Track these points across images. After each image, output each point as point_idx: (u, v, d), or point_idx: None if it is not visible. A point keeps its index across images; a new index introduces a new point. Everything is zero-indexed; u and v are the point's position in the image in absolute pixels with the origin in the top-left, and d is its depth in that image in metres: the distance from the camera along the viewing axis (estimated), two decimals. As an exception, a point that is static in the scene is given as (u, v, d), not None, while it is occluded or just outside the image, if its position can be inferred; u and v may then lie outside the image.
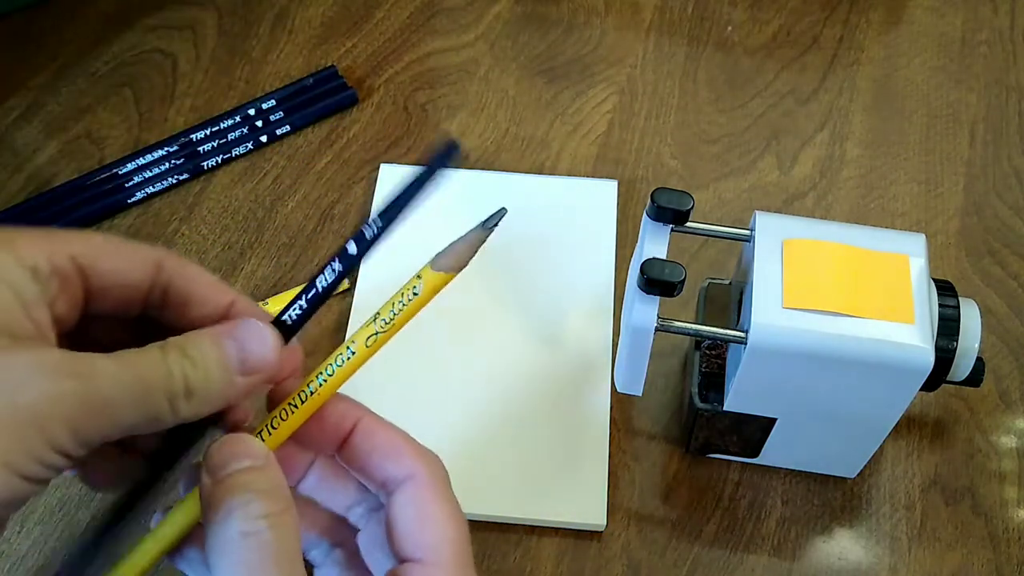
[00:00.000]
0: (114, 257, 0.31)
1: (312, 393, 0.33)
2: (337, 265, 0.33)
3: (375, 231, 0.32)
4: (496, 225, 0.32)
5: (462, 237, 0.32)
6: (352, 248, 0.33)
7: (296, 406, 0.32)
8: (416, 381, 0.49)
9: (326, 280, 0.33)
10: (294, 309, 0.33)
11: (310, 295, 0.33)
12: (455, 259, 0.32)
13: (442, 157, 0.32)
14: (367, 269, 0.53)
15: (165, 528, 0.32)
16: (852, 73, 0.63)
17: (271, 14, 0.66)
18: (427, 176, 0.32)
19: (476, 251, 0.32)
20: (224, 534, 0.29)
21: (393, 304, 0.32)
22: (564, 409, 0.48)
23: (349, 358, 0.33)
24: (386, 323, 0.32)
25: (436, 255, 0.32)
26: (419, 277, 0.32)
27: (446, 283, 0.32)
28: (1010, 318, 0.52)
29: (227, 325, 0.31)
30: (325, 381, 0.33)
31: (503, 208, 0.32)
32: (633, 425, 0.49)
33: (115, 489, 0.32)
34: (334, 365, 0.33)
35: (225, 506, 0.29)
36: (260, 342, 0.31)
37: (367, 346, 0.33)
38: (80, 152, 0.59)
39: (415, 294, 0.32)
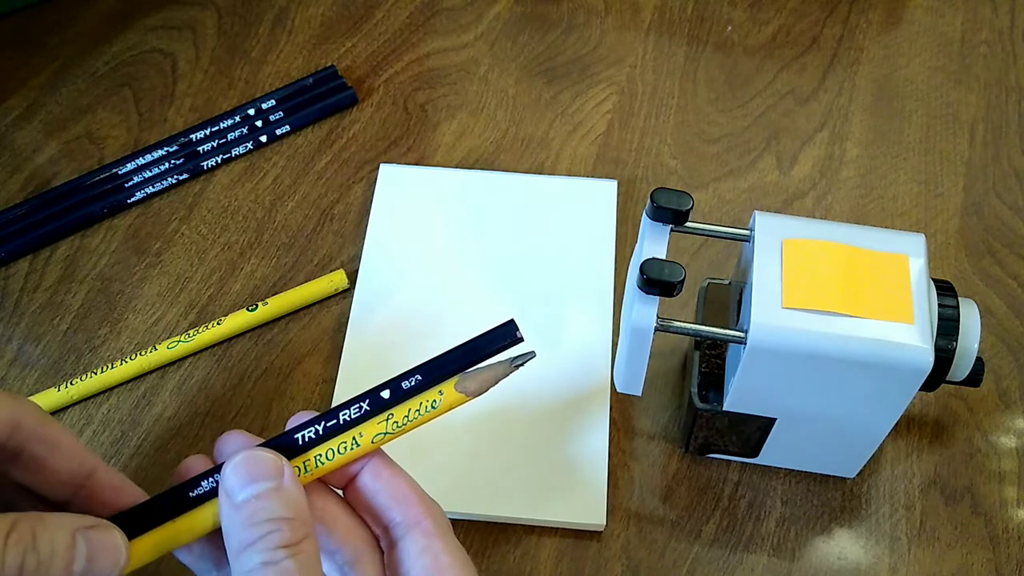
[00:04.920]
0: None
1: (306, 471, 0.33)
2: (366, 405, 0.33)
3: (412, 384, 0.33)
4: (523, 364, 0.34)
5: (490, 366, 0.34)
6: (386, 394, 0.33)
7: None
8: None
9: (350, 415, 0.33)
10: (308, 431, 0.33)
11: (329, 424, 0.33)
12: (478, 385, 0.33)
13: (499, 336, 0.34)
14: (367, 269, 0.53)
15: (180, 525, 0.32)
16: (852, 73, 0.63)
17: (271, 14, 0.66)
18: (479, 348, 0.34)
19: (498, 383, 0.34)
20: (246, 564, 0.30)
21: (409, 411, 0.33)
22: (564, 409, 0.48)
23: (352, 448, 0.33)
24: (398, 426, 0.33)
25: (462, 376, 0.33)
26: (441, 393, 0.33)
27: (461, 404, 0.34)
28: (1010, 318, 0.52)
29: (88, 524, 0.30)
30: (323, 463, 0.33)
31: (532, 352, 0.34)
32: (633, 425, 0.49)
33: None
34: (335, 450, 0.33)
35: (246, 536, 0.30)
36: (112, 562, 0.30)
37: (372, 443, 0.33)
38: (80, 152, 0.60)
39: (433, 407, 0.33)
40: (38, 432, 0.31)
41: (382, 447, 0.34)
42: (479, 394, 0.33)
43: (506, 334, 0.34)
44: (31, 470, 0.32)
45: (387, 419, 0.33)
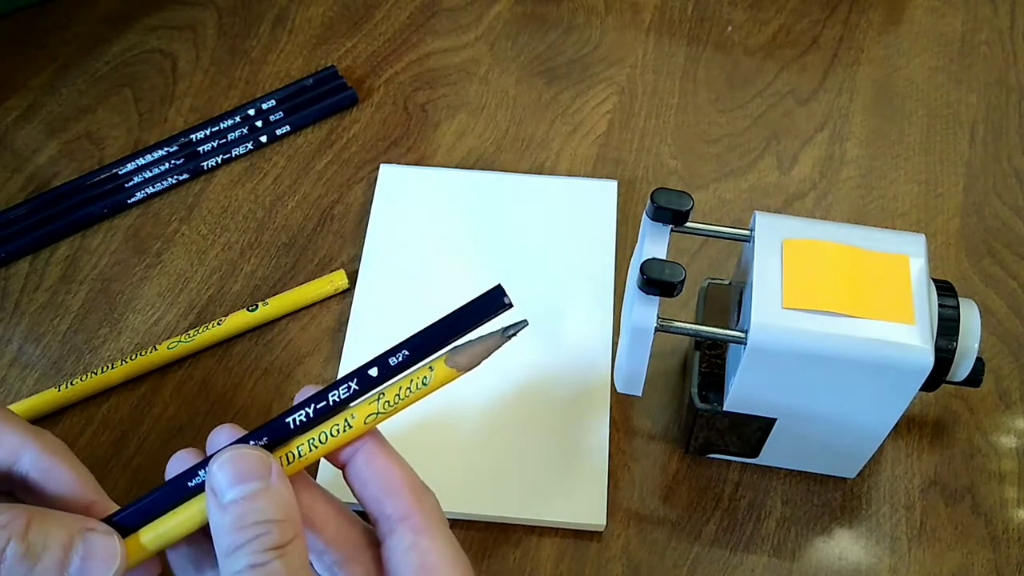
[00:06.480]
0: None
1: (300, 456, 0.32)
2: (354, 385, 0.32)
3: (400, 360, 0.32)
4: (515, 335, 0.32)
5: (480, 338, 0.32)
6: (373, 372, 0.32)
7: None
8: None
9: (339, 396, 0.32)
10: (299, 414, 0.32)
11: (319, 405, 0.32)
12: (469, 359, 0.32)
13: (486, 303, 0.32)
14: (367, 269, 0.53)
15: (178, 515, 0.32)
16: (852, 73, 0.63)
17: (271, 14, 0.66)
18: (465, 318, 0.32)
19: (490, 355, 0.32)
20: (234, 566, 0.29)
21: (400, 389, 0.32)
22: (564, 409, 0.48)
23: (344, 431, 0.32)
24: (389, 405, 0.32)
25: (452, 350, 0.32)
26: (431, 369, 0.32)
27: (454, 379, 0.33)
28: (1010, 318, 0.52)
29: (90, 527, 0.30)
30: (316, 447, 0.32)
31: (524, 320, 0.32)
32: (633, 425, 0.49)
33: None
34: (328, 433, 0.32)
35: (234, 539, 0.30)
36: (107, 567, 0.30)
37: (365, 423, 0.33)
38: (80, 152, 0.60)
39: (424, 384, 0.32)
40: (37, 463, 0.33)
41: (379, 431, 0.34)
42: (470, 368, 0.32)
43: (494, 301, 0.32)
44: (34, 495, 0.33)
45: (378, 399, 0.32)
